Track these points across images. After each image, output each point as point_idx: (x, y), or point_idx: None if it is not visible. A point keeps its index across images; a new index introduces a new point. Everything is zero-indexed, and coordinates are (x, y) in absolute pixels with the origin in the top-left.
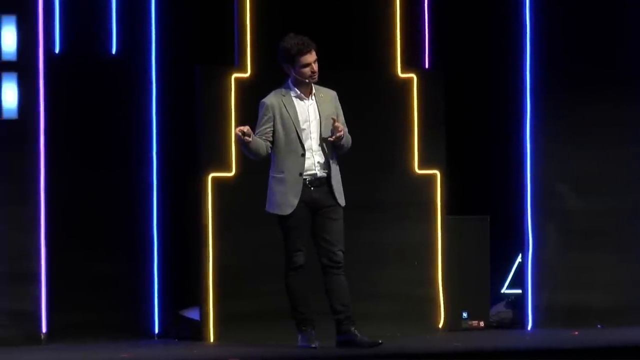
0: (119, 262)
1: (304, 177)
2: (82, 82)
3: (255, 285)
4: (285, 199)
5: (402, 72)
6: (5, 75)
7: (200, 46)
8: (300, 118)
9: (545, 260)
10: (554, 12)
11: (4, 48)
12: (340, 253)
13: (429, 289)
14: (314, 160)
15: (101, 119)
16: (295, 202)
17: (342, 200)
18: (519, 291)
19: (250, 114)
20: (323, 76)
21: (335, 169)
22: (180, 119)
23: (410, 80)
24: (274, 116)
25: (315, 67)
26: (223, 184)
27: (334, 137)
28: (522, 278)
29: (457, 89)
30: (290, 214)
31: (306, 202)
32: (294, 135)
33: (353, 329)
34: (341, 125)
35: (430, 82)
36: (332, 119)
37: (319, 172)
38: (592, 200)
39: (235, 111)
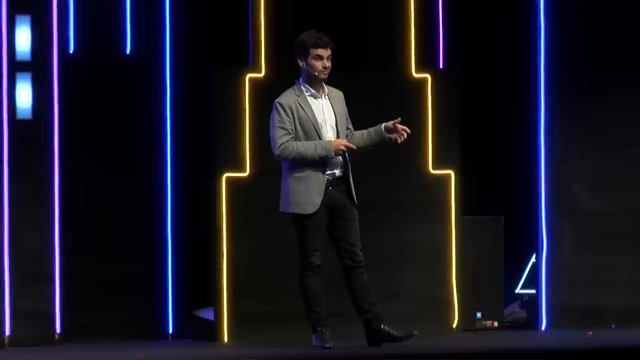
0: (134, 262)
1: (326, 176)
2: (96, 82)
3: (269, 285)
4: (307, 198)
5: (417, 72)
6: (19, 75)
7: (214, 46)
8: (318, 118)
9: (559, 260)
10: (569, 11)
11: (18, 48)
12: (361, 252)
13: (443, 289)
14: (335, 159)
15: (115, 119)
16: (318, 201)
17: (355, 200)
18: (534, 291)
19: (264, 114)
20: (337, 77)
21: (349, 169)
22: (195, 119)
23: (424, 80)
24: (292, 116)
25: (327, 63)
26: (237, 184)
27: (402, 139)
28: (537, 278)
29: (472, 89)
30: (312, 213)
31: (326, 202)
32: (315, 135)
33: (383, 325)
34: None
35: (444, 82)
36: (400, 120)
37: (338, 172)
38: (606, 200)
39: (249, 111)
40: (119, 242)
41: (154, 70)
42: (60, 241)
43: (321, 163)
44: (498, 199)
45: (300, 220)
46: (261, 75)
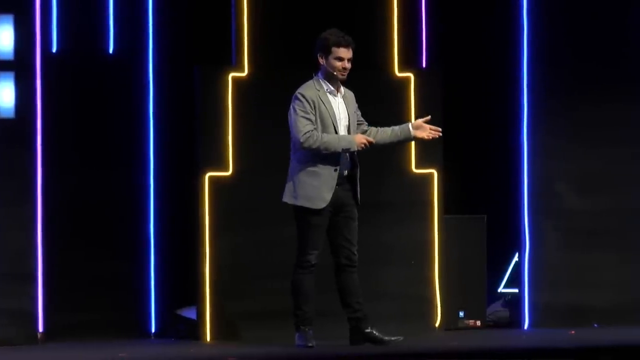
0: (117, 261)
1: (337, 173)
2: (79, 81)
3: (252, 284)
4: (318, 193)
5: (400, 71)
6: (2, 74)
7: (197, 45)
8: (336, 115)
9: (542, 259)
10: (552, 11)
11: (1, 47)
12: (356, 253)
13: (425, 288)
14: (345, 158)
15: (98, 118)
16: (328, 197)
17: (359, 201)
18: (516, 290)
19: (247, 113)
20: None
21: (358, 169)
22: (178, 118)
23: (407, 79)
24: (314, 109)
25: (347, 64)
26: (220, 183)
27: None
28: (519, 277)
29: (455, 88)
30: (320, 210)
31: (333, 200)
32: (332, 131)
33: (370, 328)
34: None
35: (427, 81)
36: (429, 118)
37: (348, 171)
38: (590, 199)
39: (232, 110)
40: (102, 241)
41: (137, 70)
42: (43, 240)
43: (334, 160)
44: (481, 198)
45: (306, 215)
46: (244, 74)
